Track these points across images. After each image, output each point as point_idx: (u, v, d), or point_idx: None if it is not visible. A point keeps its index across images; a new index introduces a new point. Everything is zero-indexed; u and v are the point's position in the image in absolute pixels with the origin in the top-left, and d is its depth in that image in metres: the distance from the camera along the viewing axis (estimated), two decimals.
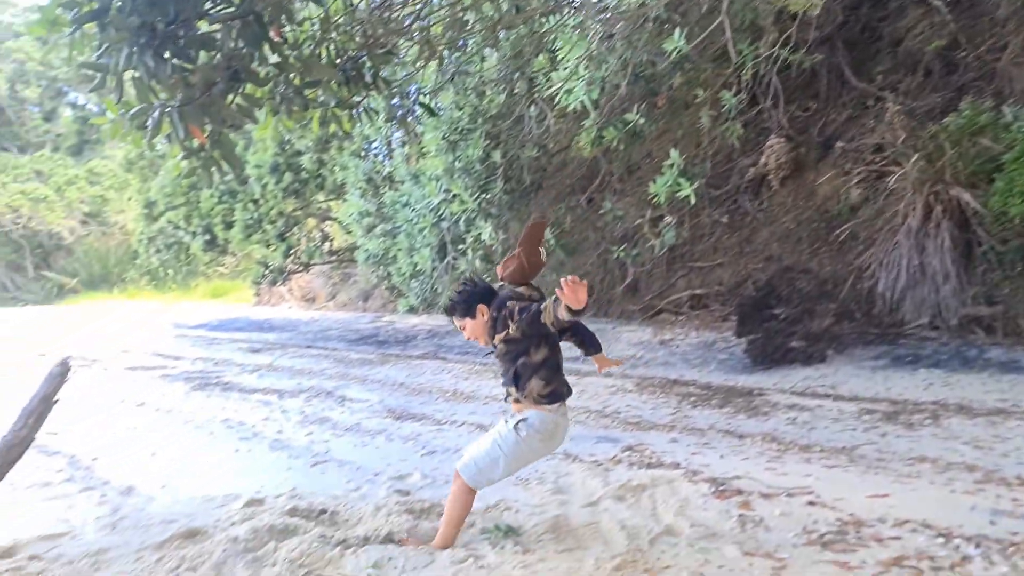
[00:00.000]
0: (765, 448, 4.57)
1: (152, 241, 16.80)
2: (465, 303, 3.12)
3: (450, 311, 3.22)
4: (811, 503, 3.45)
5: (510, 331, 2.97)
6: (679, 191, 5.33)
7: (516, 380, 3.03)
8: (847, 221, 8.07)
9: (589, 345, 3.25)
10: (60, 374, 1.84)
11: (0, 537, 3.53)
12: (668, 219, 6.53)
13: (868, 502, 3.40)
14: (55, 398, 1.76)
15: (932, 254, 6.73)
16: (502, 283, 3.27)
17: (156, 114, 2.12)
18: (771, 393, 6.16)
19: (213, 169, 2.42)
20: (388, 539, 3.24)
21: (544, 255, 3.25)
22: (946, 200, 6.72)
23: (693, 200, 5.37)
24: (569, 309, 2.61)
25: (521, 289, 3.19)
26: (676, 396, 6.35)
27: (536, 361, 3.01)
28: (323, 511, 3.71)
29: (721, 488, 3.73)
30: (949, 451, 4.24)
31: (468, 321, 3.14)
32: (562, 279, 2.62)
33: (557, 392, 3.04)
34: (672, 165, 5.32)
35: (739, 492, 3.67)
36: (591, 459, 4.54)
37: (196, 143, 2.30)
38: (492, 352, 3.15)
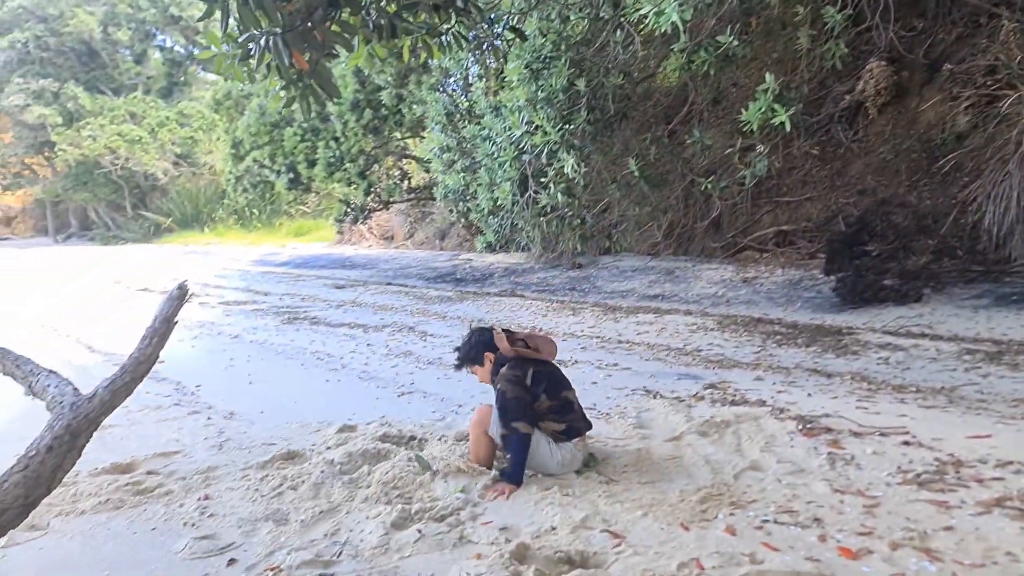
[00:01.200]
0: (855, 387, 4.44)
1: (239, 180, 17.36)
2: (471, 354, 3.50)
3: (461, 363, 3.58)
4: (906, 443, 3.34)
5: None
6: (773, 118, 5.05)
7: None
8: (952, 150, 7.53)
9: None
10: (179, 296, 1.95)
11: (120, 454, 3.84)
12: (760, 148, 6.22)
13: (968, 443, 3.26)
14: (175, 319, 1.87)
15: None
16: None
17: (262, 42, 2.14)
18: (861, 332, 5.94)
19: (311, 98, 2.45)
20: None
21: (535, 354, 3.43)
22: None
23: (788, 127, 5.07)
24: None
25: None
26: (760, 334, 6.21)
27: (543, 410, 3.25)
28: (412, 438, 3.86)
29: (809, 426, 3.65)
30: None
31: (478, 368, 3.51)
32: (487, 490, 3.05)
33: (572, 428, 3.26)
34: (766, 90, 5.03)
35: (828, 430, 3.58)
36: (672, 395, 4.52)
37: (296, 72, 2.32)
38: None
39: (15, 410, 4.70)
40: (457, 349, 3.62)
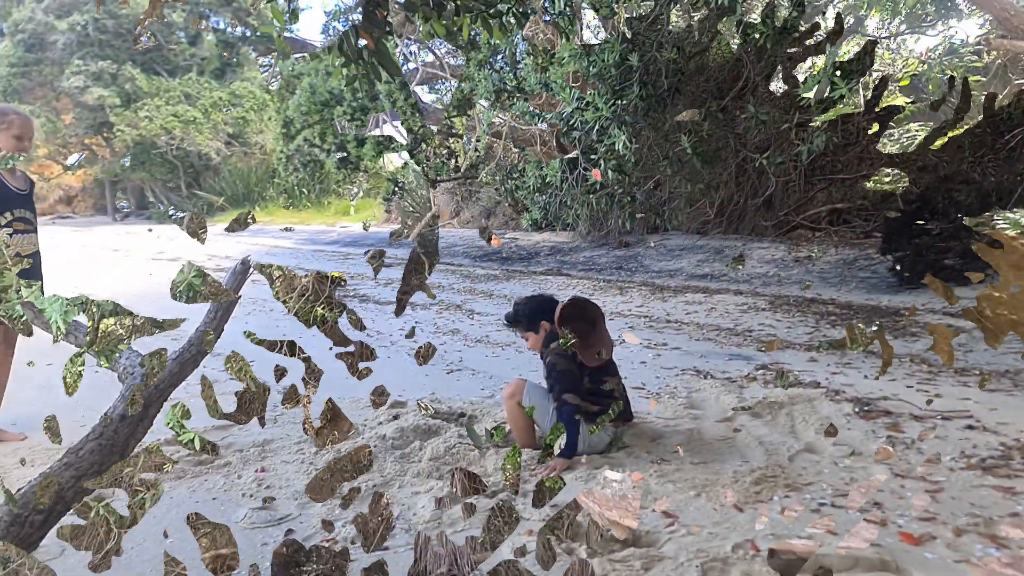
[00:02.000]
0: (915, 370, 4.32)
1: (290, 160, 17.61)
2: (529, 318, 3.44)
3: (513, 322, 3.53)
4: (969, 427, 3.24)
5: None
6: (832, 92, 4.89)
7: None
8: (1018, 125, 7.20)
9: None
10: (242, 271, 1.99)
11: None
12: (817, 123, 6.03)
13: None
14: (239, 294, 1.92)
15: None
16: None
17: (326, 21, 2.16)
18: (920, 313, 5.77)
19: (371, 76, 2.47)
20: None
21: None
22: None
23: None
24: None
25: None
26: (813, 315, 6.08)
27: (583, 390, 3.23)
28: (462, 414, 3.90)
29: (866, 408, 3.58)
30: None
31: (531, 335, 3.45)
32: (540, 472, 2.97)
33: (606, 412, 3.19)
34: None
35: (887, 413, 3.50)
36: (723, 376, 4.47)
37: (357, 50, 2.34)
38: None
39: (84, 381, 4.90)
40: (515, 306, 3.53)
